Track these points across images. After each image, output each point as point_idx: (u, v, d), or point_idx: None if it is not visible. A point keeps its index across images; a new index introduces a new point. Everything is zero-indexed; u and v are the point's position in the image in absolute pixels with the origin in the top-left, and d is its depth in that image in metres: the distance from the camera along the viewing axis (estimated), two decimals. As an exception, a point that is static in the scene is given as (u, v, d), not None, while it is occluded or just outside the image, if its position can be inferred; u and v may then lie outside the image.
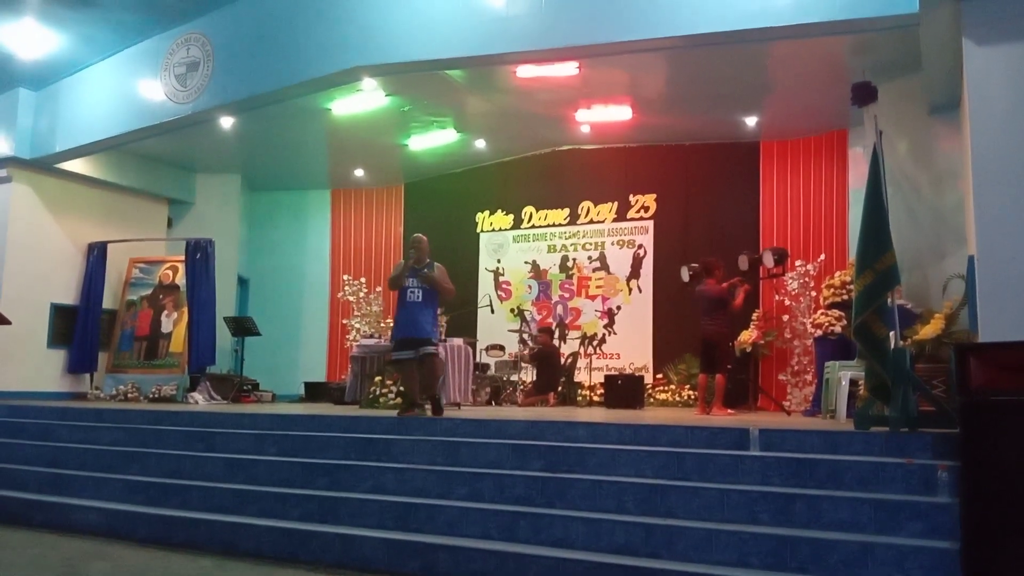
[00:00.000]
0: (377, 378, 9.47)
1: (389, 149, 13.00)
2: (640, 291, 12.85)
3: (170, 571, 4.97)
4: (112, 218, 12.93)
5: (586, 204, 13.35)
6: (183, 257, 12.49)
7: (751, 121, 11.33)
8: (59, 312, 12.17)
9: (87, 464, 7.00)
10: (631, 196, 13.01)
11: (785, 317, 11.10)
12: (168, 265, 12.96)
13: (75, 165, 11.93)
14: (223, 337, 12.58)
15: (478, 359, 12.01)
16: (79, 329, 12.20)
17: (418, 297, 7.59)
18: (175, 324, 12.47)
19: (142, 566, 5.10)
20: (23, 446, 7.62)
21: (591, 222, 13.33)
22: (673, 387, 11.87)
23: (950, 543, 4.05)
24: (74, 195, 12.39)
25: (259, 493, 5.91)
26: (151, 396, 11.47)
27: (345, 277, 13.90)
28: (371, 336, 11.91)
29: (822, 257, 10.92)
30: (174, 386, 11.69)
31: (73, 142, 11.12)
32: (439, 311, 8.06)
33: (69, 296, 12.33)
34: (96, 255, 12.45)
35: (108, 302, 12.68)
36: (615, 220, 13.13)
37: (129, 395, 11.61)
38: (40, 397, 11.03)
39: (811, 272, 10.72)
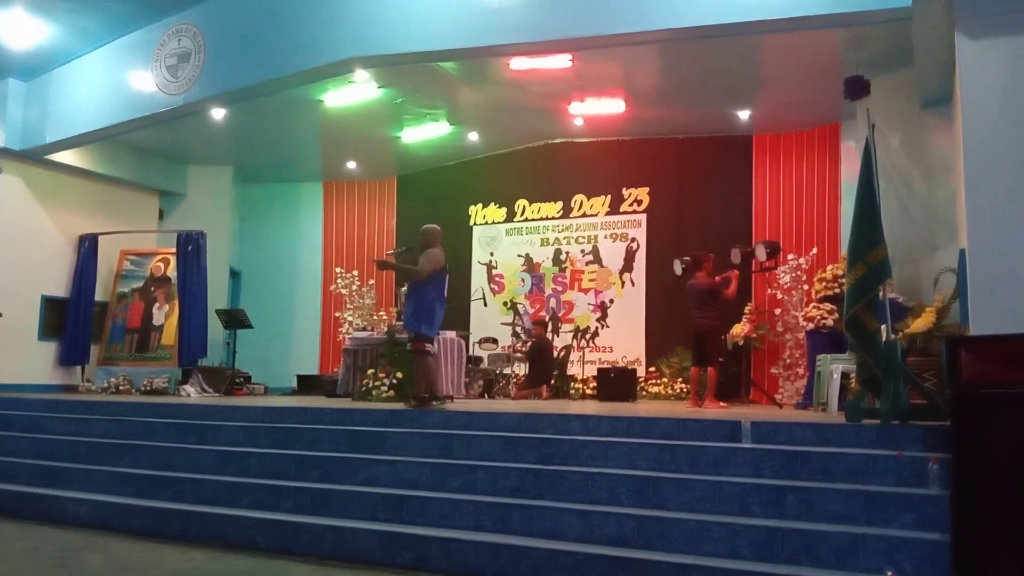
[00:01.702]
0: (370, 371, 9.45)
1: (382, 141, 12.97)
2: (633, 284, 12.87)
3: (162, 563, 4.96)
4: (103, 210, 12.87)
5: (579, 197, 13.35)
6: (175, 249, 12.43)
7: (744, 115, 11.34)
8: (50, 304, 12.12)
9: (78, 456, 6.98)
10: (624, 189, 13.03)
11: (777, 311, 11.13)
12: (160, 257, 12.92)
13: (66, 156, 11.86)
14: (215, 330, 12.55)
15: (471, 352, 12.02)
16: (70, 321, 12.16)
17: (406, 288, 7.61)
18: (167, 317, 12.44)
19: (134, 558, 5.09)
20: (14, 438, 7.59)
21: (584, 215, 13.33)
22: (665, 380, 11.90)
23: (940, 535, 4.07)
24: (65, 187, 12.33)
25: (251, 485, 5.91)
26: (143, 388, 11.44)
27: (338, 270, 13.89)
28: (363, 329, 11.90)
29: (814, 251, 10.95)
30: (166, 379, 11.66)
31: (64, 133, 11.06)
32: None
33: (60, 288, 12.28)
34: (87, 247, 12.40)
35: (99, 294, 12.64)
36: (608, 213, 13.13)
37: (120, 387, 11.58)
38: (31, 389, 10.99)
39: (803, 266, 10.75)
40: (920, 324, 6.76)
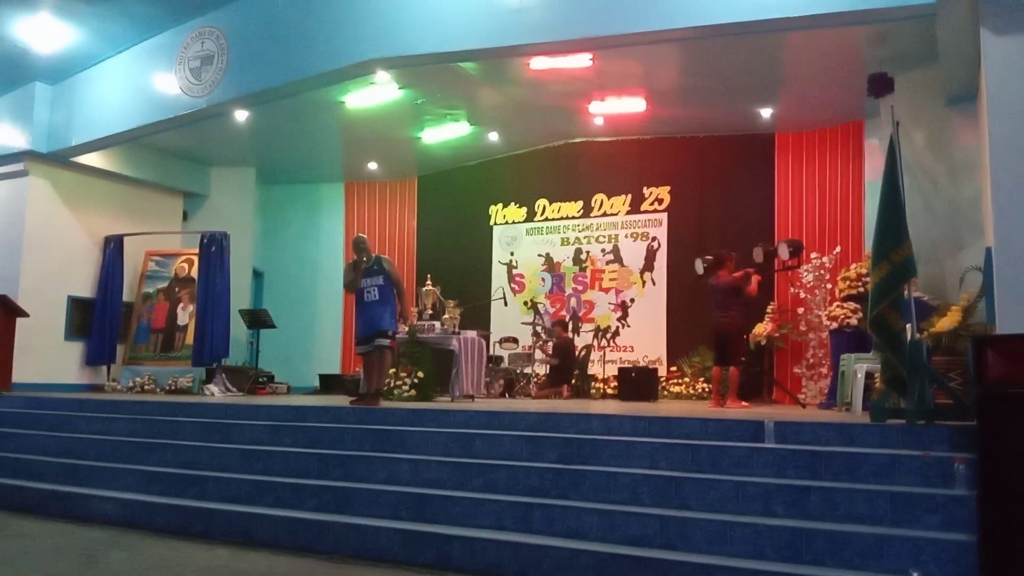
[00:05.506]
0: (391, 370, 9.48)
1: (402, 142, 13.02)
2: (654, 284, 12.82)
3: (187, 561, 5.01)
4: (128, 211, 13.00)
5: (599, 197, 13.33)
6: (198, 250, 12.54)
7: (766, 113, 11.27)
8: (76, 305, 12.25)
9: (104, 455, 7.06)
10: (645, 188, 12.99)
11: (800, 310, 11.06)
12: (184, 258, 13.03)
13: (91, 159, 11.99)
14: (238, 329, 12.64)
15: (491, 351, 12.03)
16: (96, 321, 12.28)
17: (375, 296, 8.10)
18: (191, 317, 12.54)
19: (159, 556, 5.15)
20: (41, 437, 7.69)
21: (604, 215, 13.31)
22: (687, 380, 11.85)
23: (967, 535, 4.03)
24: (90, 188, 12.47)
25: (275, 484, 5.95)
26: (167, 388, 11.54)
27: (359, 270, 13.93)
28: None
29: (837, 249, 10.87)
30: (190, 378, 11.76)
31: (89, 136, 11.17)
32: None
33: (86, 289, 12.41)
34: (113, 248, 12.53)
35: (124, 295, 12.74)
36: (629, 213, 13.10)
37: (146, 387, 11.68)
38: (58, 389, 11.12)
39: (826, 264, 10.68)
40: (946, 323, 6.70)
